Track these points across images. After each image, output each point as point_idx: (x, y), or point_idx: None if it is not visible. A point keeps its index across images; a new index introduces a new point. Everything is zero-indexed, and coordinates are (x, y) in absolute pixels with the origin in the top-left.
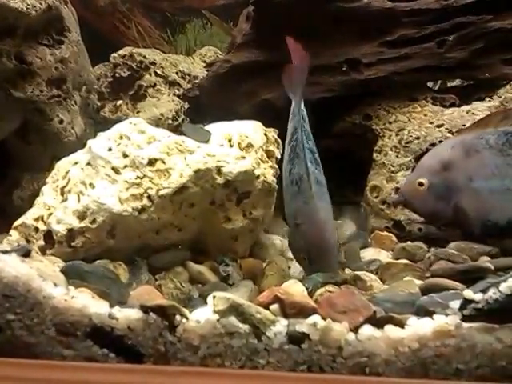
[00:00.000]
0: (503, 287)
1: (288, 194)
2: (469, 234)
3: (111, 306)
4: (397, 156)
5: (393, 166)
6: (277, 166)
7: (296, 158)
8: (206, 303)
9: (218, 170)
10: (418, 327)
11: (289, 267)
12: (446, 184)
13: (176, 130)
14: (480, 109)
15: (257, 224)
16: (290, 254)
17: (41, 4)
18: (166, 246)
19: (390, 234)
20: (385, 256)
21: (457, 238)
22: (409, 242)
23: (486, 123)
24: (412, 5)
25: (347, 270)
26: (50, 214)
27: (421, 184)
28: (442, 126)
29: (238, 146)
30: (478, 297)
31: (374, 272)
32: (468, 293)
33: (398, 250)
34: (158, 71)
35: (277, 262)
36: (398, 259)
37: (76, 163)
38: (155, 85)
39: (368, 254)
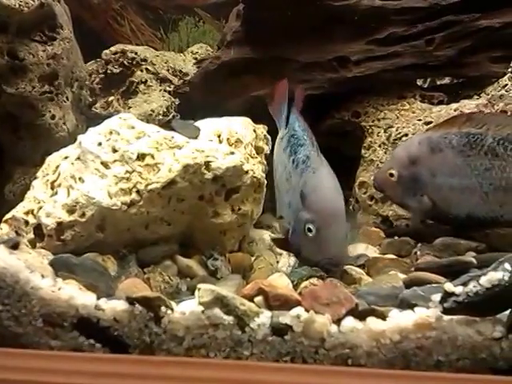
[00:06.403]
0: (483, 280)
1: (294, 176)
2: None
3: (98, 297)
4: (385, 153)
5: (381, 163)
6: (265, 162)
7: (299, 147)
8: (193, 296)
9: (207, 165)
10: (399, 319)
11: (277, 262)
12: (412, 177)
13: (167, 125)
14: (468, 106)
15: (245, 219)
16: (278, 249)
17: (33, 1)
18: (155, 240)
19: (378, 230)
20: (372, 251)
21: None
22: (396, 238)
23: (451, 123)
24: (401, 3)
25: None
26: (40, 208)
27: (391, 175)
28: (430, 123)
29: (227, 141)
30: (459, 290)
31: (361, 267)
32: (448, 286)
33: (385, 245)
34: (150, 68)
35: (265, 256)
36: (385, 254)
37: (66, 158)
38: (146, 81)
39: (356, 249)
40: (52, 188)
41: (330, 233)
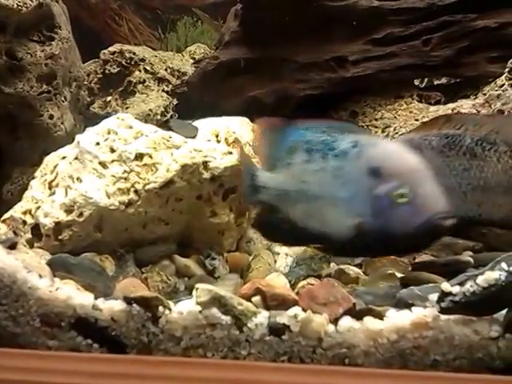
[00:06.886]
0: (480, 280)
1: (347, 167)
2: None
3: (96, 297)
4: None
5: None
6: None
7: (329, 145)
8: (191, 296)
9: (205, 165)
10: (396, 319)
11: (275, 261)
12: None
13: (164, 125)
14: (465, 106)
15: (243, 218)
16: (276, 249)
17: (31, 1)
18: (153, 240)
19: None
20: None
21: None
22: None
23: (431, 125)
24: (398, 4)
25: (332, 264)
26: (38, 208)
27: None
28: None
29: (224, 141)
30: (456, 289)
31: (358, 266)
32: (445, 285)
33: None
34: (148, 68)
35: (263, 256)
36: None
37: (64, 158)
38: (144, 81)
39: None
40: (50, 188)
41: (427, 185)
